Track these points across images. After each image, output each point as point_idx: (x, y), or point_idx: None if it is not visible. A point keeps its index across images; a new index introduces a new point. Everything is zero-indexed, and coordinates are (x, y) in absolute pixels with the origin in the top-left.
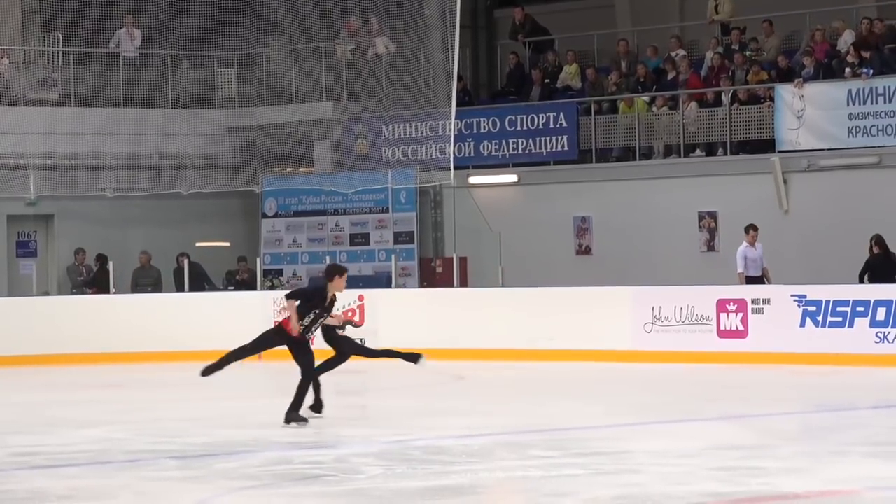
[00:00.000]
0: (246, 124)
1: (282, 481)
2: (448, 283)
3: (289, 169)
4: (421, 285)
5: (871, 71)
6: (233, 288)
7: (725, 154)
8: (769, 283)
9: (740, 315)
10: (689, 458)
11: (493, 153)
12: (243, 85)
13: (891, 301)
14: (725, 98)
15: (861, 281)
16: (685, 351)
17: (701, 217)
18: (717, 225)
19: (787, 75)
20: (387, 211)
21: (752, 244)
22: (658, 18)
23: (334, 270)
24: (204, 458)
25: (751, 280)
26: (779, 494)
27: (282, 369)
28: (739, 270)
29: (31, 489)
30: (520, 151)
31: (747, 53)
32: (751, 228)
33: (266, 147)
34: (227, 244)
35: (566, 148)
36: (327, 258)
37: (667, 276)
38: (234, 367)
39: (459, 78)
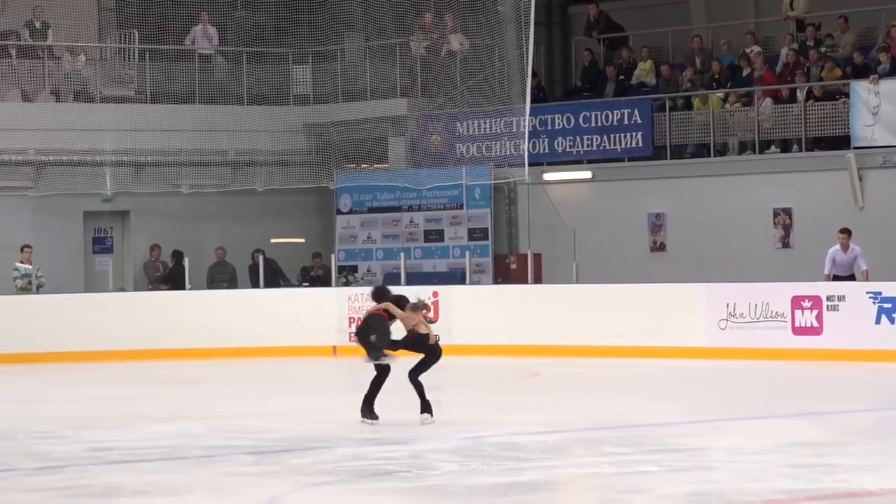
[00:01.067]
0: (321, 121)
1: (356, 477)
2: (522, 280)
3: (363, 165)
4: (495, 282)
5: None
6: (307, 284)
7: (800, 150)
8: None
9: (815, 312)
10: (764, 454)
11: (568, 150)
12: (318, 81)
13: None
14: (800, 94)
15: None
16: (760, 348)
17: (776, 214)
18: (792, 221)
19: (863, 71)
20: (461, 207)
21: (842, 247)
22: (733, 15)
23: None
24: (278, 454)
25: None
26: (853, 491)
27: (354, 366)
28: (826, 272)
29: (107, 484)
30: (594, 148)
31: (822, 50)
32: (840, 232)
33: (341, 143)
34: (302, 240)
35: (640, 144)
36: (402, 254)
37: (741, 272)
38: (308, 363)
39: (534, 74)
